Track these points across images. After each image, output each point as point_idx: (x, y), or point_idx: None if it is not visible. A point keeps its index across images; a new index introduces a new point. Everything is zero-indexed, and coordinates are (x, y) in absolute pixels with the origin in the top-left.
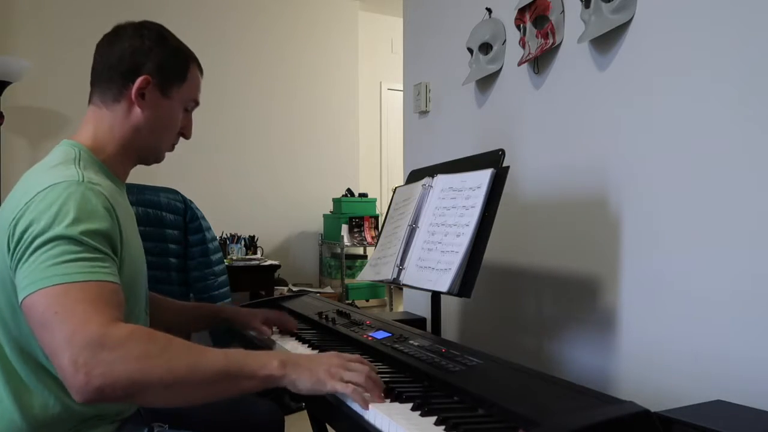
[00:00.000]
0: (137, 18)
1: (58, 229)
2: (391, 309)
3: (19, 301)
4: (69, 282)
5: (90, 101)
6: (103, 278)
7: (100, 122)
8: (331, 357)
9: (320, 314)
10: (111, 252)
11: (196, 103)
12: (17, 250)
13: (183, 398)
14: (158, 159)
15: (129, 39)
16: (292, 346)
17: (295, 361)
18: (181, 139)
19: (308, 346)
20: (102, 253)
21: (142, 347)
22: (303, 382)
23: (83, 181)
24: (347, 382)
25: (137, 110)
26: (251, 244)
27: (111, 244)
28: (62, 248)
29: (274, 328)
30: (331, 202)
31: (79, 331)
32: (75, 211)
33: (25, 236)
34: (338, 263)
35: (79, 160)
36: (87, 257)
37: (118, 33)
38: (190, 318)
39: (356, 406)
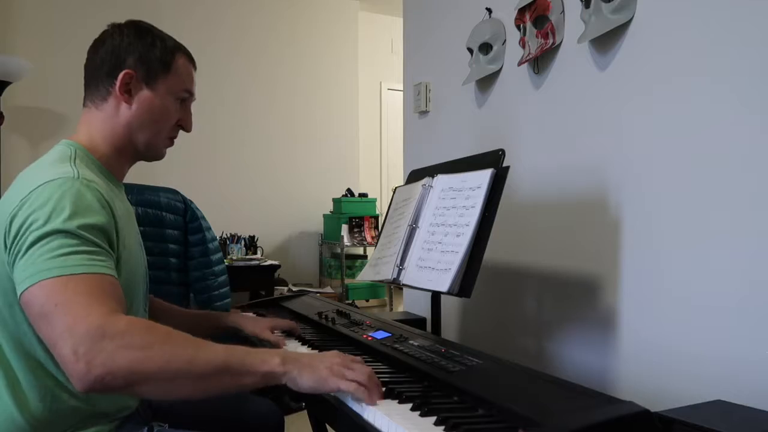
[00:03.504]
0: (136, 18)
1: (55, 224)
2: (391, 309)
3: (18, 294)
4: (68, 274)
5: (83, 104)
6: (101, 271)
7: (93, 122)
8: (334, 356)
9: (320, 314)
10: (108, 246)
11: (190, 94)
12: (14, 245)
13: (183, 391)
14: (157, 155)
15: (110, 38)
16: (293, 345)
17: (297, 358)
18: (182, 139)
19: (309, 347)
20: (99, 247)
21: (143, 337)
22: (305, 380)
23: (78, 177)
24: (350, 380)
25: (125, 106)
26: (251, 244)
27: (108, 239)
28: (60, 242)
29: (277, 331)
30: (331, 202)
31: (80, 322)
32: (71, 206)
33: (22, 231)
34: (338, 263)
35: (75, 159)
36: (85, 250)
37: (101, 37)
38: (193, 324)
39: (357, 406)
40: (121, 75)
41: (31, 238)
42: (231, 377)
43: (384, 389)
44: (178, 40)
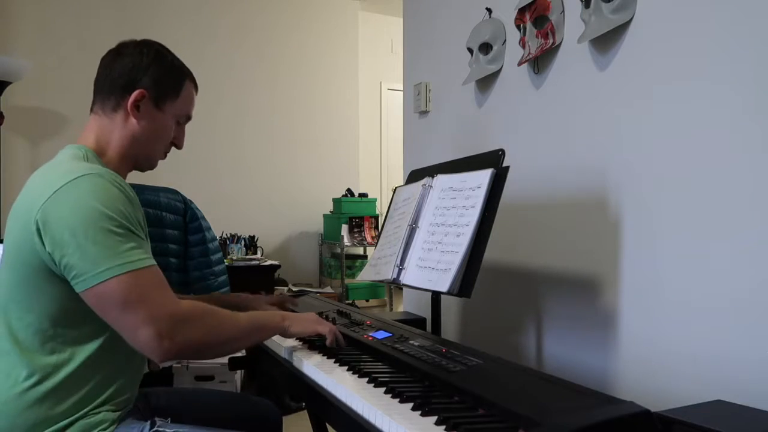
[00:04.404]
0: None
1: (109, 219)
2: (391, 309)
3: (88, 285)
4: (140, 268)
5: (92, 110)
6: (154, 262)
7: (101, 129)
8: (312, 314)
9: (320, 314)
10: (146, 237)
11: (189, 118)
12: (71, 239)
13: (231, 349)
14: (151, 166)
15: (130, 55)
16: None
17: (289, 316)
18: None
19: (308, 346)
20: (143, 239)
21: (205, 317)
22: (294, 329)
23: (107, 173)
24: (324, 326)
25: (133, 120)
26: (251, 244)
27: (145, 232)
28: (120, 237)
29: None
30: (331, 202)
31: (160, 310)
32: (115, 200)
33: (77, 225)
34: (338, 263)
35: (87, 159)
36: (139, 244)
37: (120, 50)
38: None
39: (356, 405)
40: (135, 93)
41: (92, 234)
42: (257, 334)
43: (384, 388)
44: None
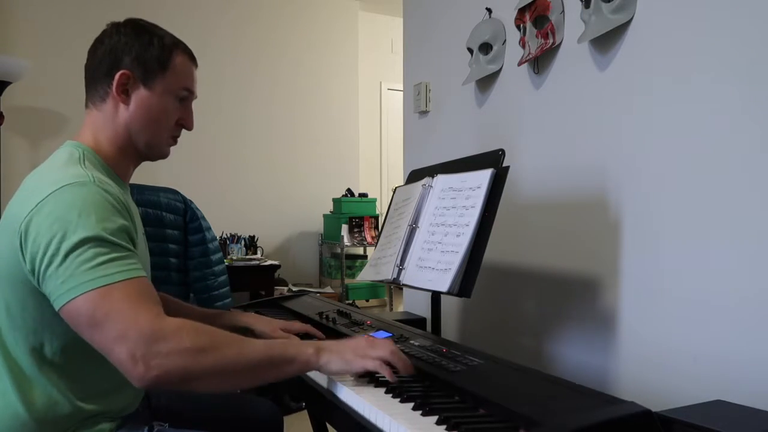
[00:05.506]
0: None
1: (85, 231)
2: (391, 309)
3: (59, 305)
4: (110, 283)
5: (85, 105)
6: (137, 275)
7: (95, 124)
8: (359, 340)
9: (320, 314)
10: (133, 247)
11: (190, 92)
12: (45, 255)
13: (232, 383)
14: (160, 154)
15: (108, 38)
16: None
17: (327, 347)
18: (182, 139)
19: None
20: (128, 250)
21: (193, 339)
22: (333, 366)
23: (93, 180)
24: (374, 359)
25: (123, 107)
26: (251, 244)
27: (131, 240)
28: (95, 250)
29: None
30: (331, 202)
31: (132, 327)
32: (95, 211)
33: (51, 240)
34: (338, 263)
35: (84, 161)
36: (118, 256)
37: (101, 36)
38: (207, 323)
39: (357, 405)
40: (117, 75)
41: (64, 249)
42: (274, 368)
43: (385, 388)
44: (159, 30)
